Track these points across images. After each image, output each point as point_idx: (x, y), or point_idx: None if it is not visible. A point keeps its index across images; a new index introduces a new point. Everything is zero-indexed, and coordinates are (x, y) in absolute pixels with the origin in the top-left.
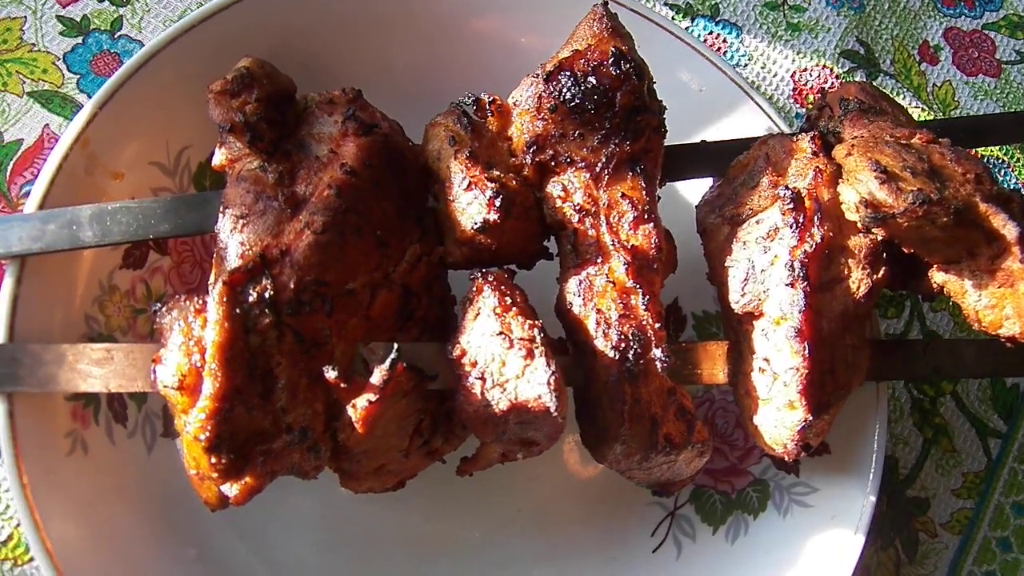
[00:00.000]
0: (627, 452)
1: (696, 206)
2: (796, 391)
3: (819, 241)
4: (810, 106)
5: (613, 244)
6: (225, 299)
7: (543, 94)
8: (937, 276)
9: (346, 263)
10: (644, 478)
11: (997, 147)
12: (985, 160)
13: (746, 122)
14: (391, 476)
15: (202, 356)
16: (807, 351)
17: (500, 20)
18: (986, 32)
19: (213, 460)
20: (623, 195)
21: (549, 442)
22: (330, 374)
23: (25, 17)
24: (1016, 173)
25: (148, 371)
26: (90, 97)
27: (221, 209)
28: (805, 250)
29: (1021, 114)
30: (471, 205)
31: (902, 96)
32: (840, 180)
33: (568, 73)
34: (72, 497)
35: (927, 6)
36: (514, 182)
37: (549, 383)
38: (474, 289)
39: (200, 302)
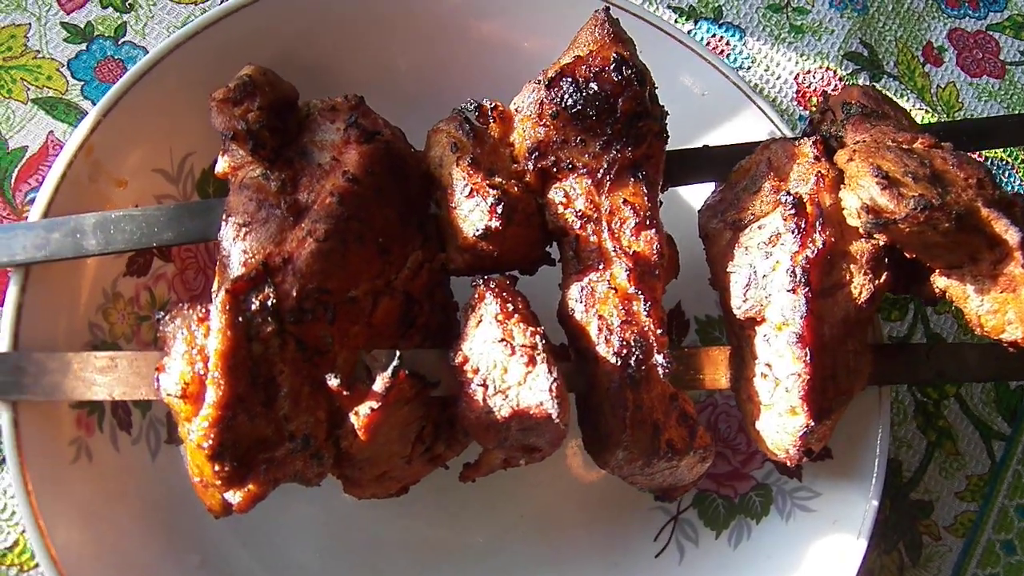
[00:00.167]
0: (629, 458)
1: (698, 211)
2: (798, 397)
3: (821, 247)
4: (813, 108)
5: (615, 250)
6: (228, 308)
7: (545, 100)
8: (939, 281)
9: (348, 271)
10: (646, 483)
11: (1001, 149)
12: (989, 162)
13: (749, 126)
14: (394, 482)
15: (205, 364)
16: (809, 357)
17: (502, 24)
18: (990, 33)
19: (216, 468)
20: (625, 201)
21: (551, 448)
22: (332, 382)
23: (29, 24)
24: (1020, 175)
25: (152, 379)
26: (94, 103)
27: (224, 217)
28: (807, 256)
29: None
30: (473, 212)
31: (906, 98)
32: (842, 185)
33: (570, 79)
34: (76, 504)
35: (931, 7)
36: (516, 188)
37: (551, 390)
38: (476, 296)
39: (203, 310)
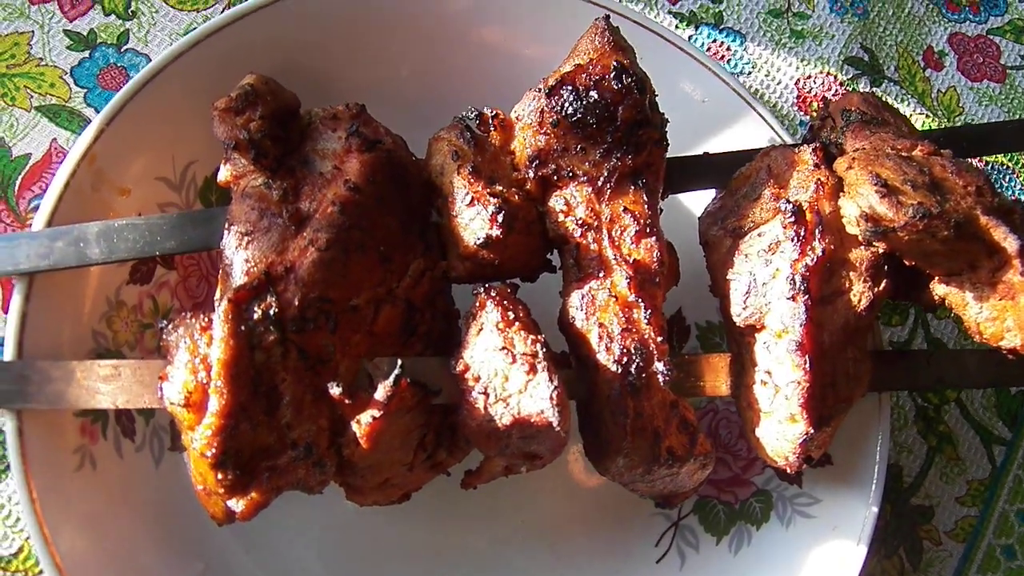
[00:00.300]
0: (630, 465)
1: (699, 218)
2: (797, 404)
3: (820, 254)
4: (814, 113)
5: (615, 258)
6: (230, 317)
7: (545, 109)
8: (938, 288)
9: (350, 279)
10: (647, 490)
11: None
12: (990, 167)
13: (749, 132)
14: (396, 489)
15: (208, 373)
16: (808, 364)
17: (503, 31)
18: (991, 37)
19: (219, 476)
20: (625, 209)
21: (552, 455)
22: (334, 390)
23: (33, 31)
24: (1021, 179)
25: (155, 388)
26: (97, 111)
27: (226, 226)
28: (806, 263)
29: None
30: (474, 221)
31: (906, 102)
32: (841, 193)
33: (570, 88)
34: (81, 511)
35: (931, 11)
36: (516, 197)
37: (551, 398)
38: (477, 304)
39: (206, 319)
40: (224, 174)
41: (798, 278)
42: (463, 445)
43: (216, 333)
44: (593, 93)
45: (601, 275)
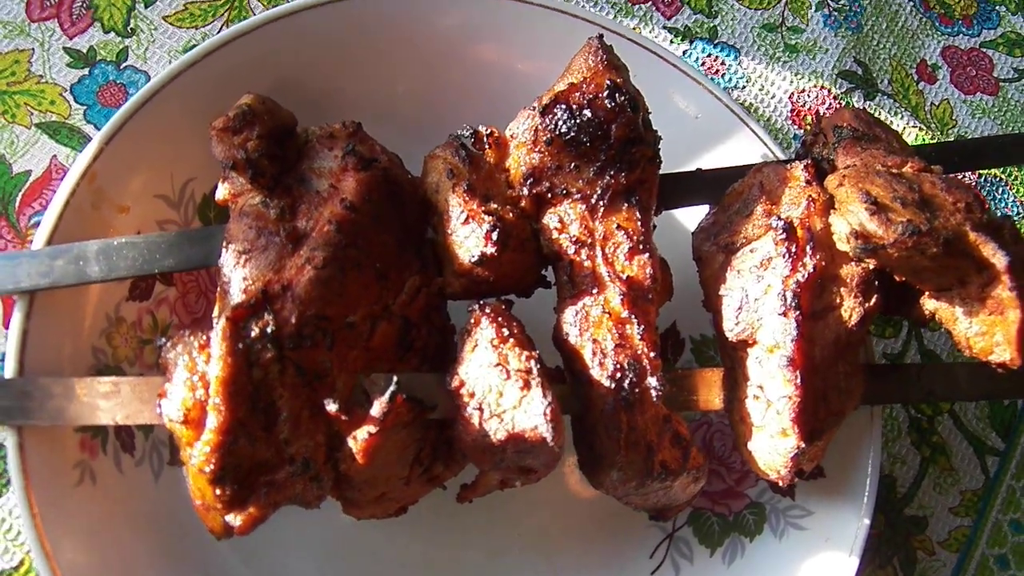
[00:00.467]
0: (623, 479)
1: (692, 233)
2: (789, 419)
3: (811, 271)
4: (808, 127)
5: (609, 275)
6: (228, 335)
7: (539, 127)
8: (929, 304)
9: (346, 297)
10: (641, 503)
11: None
12: (982, 179)
13: (742, 148)
14: (393, 503)
15: (206, 390)
16: (799, 380)
17: (498, 48)
18: (984, 50)
19: (218, 491)
20: (618, 226)
21: (546, 470)
22: (331, 407)
23: (33, 49)
24: (1015, 192)
25: (154, 404)
26: (97, 128)
27: (224, 244)
28: (798, 279)
29: (1015, 136)
30: (469, 238)
31: (900, 115)
32: (832, 210)
33: (564, 106)
34: (81, 526)
35: (924, 25)
36: (511, 214)
37: (545, 414)
38: (472, 320)
39: (204, 337)
40: (222, 192)
41: (789, 294)
42: (459, 458)
43: (214, 351)
44: (587, 111)
45: (595, 291)
